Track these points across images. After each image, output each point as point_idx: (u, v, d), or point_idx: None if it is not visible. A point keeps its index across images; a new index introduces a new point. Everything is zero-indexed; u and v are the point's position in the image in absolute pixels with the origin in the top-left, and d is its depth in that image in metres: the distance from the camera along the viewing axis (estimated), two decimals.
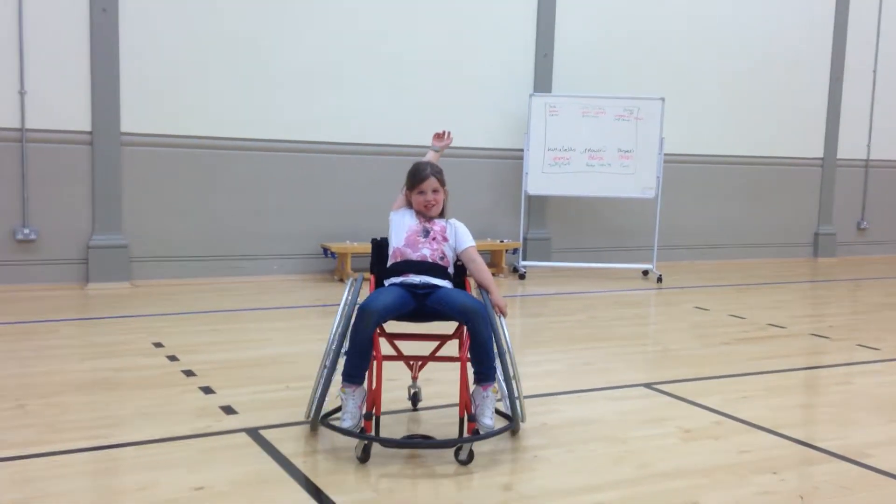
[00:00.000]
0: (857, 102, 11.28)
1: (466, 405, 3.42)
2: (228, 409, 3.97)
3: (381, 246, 3.89)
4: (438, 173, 3.76)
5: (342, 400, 3.46)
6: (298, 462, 3.31)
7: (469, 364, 3.44)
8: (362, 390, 3.45)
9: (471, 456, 3.32)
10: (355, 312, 3.43)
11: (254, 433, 3.64)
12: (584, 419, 3.98)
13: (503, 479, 3.21)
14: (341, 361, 3.50)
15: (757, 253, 10.84)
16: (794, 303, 7.86)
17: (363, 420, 3.37)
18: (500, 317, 3.63)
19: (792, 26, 10.63)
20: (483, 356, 3.45)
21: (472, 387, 3.49)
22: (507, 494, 3.07)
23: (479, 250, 3.84)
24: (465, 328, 3.51)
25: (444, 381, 4.38)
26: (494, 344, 3.48)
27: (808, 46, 10.79)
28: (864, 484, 3.27)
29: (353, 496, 3.00)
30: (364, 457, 3.29)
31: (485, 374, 3.48)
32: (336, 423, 3.48)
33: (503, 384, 3.58)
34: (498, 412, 3.64)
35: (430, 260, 3.65)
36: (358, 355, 3.39)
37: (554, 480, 3.21)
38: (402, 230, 3.74)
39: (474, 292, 3.74)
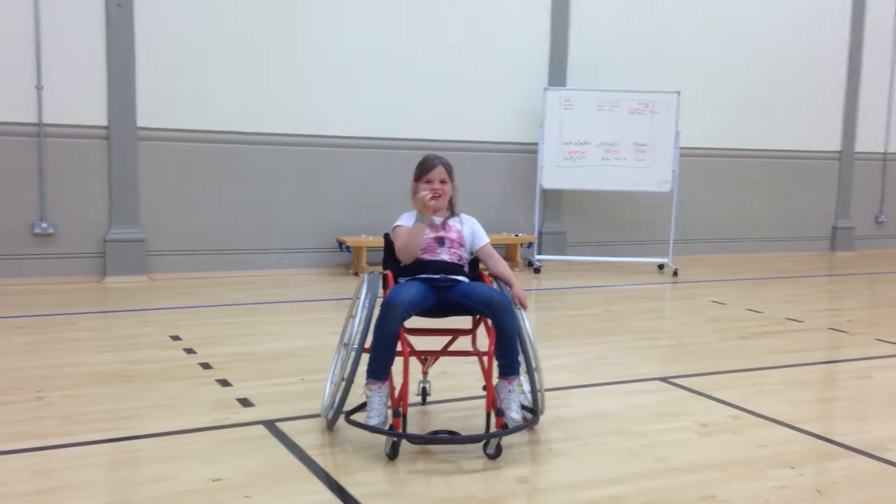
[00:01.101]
0: (875, 95, 11.19)
1: (493, 400, 3.39)
2: (245, 402, 3.99)
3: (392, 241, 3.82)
4: (448, 165, 3.74)
5: (367, 397, 3.40)
6: (315, 454, 3.32)
7: (494, 358, 3.42)
8: (386, 387, 3.41)
9: (499, 450, 3.30)
10: (378, 308, 3.39)
11: (270, 425, 3.65)
12: (599, 413, 3.97)
13: (518, 471, 3.20)
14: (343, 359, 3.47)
15: (774, 247, 10.77)
16: (811, 297, 7.81)
17: (392, 417, 3.31)
18: (520, 310, 3.61)
19: (809, 19, 10.55)
20: (508, 350, 3.42)
21: (495, 380, 3.47)
22: (523, 487, 3.07)
23: (493, 244, 3.84)
24: (486, 322, 3.49)
25: (458, 374, 4.39)
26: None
27: (826, 39, 10.71)
28: (882, 479, 3.24)
29: (368, 488, 3.01)
30: (393, 454, 3.26)
31: (510, 368, 3.45)
32: (357, 420, 3.44)
33: (524, 377, 3.56)
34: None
35: (448, 261, 3.63)
36: (383, 351, 3.35)
37: (569, 474, 3.21)
38: None
39: (493, 285, 3.71)
